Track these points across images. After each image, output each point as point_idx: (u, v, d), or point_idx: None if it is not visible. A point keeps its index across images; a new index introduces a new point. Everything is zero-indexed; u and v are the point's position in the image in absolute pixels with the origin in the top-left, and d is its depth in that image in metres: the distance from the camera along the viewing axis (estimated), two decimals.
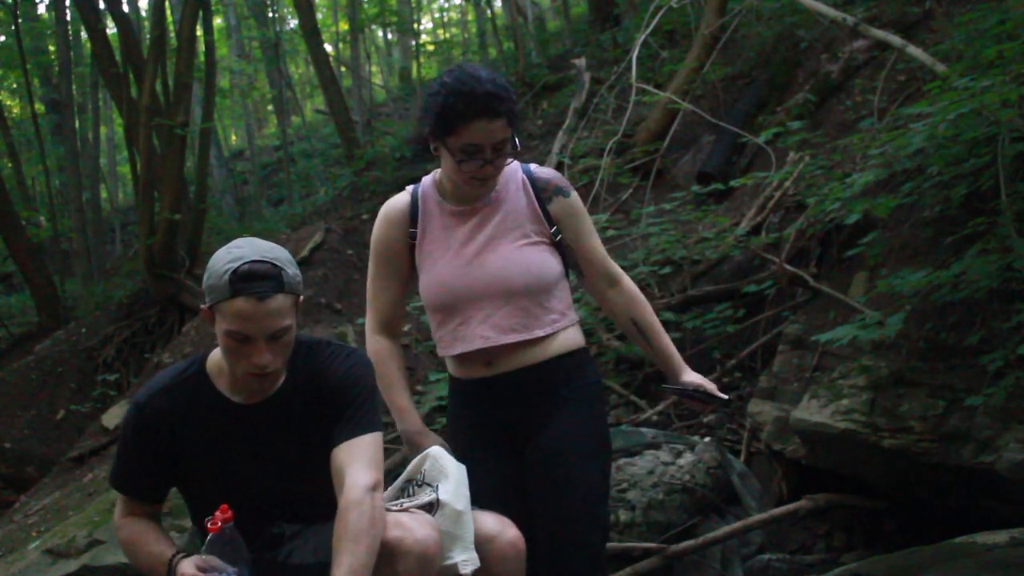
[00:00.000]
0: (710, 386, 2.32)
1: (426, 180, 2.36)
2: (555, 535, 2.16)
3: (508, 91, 2.12)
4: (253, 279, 1.87)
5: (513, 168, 2.32)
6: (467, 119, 2.08)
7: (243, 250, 1.92)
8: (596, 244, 2.34)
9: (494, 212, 2.26)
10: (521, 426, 2.25)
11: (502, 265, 2.21)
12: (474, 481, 2.14)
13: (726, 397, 2.38)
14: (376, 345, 2.35)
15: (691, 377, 2.35)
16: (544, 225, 2.27)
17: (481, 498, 2.16)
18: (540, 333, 2.22)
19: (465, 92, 2.08)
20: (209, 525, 1.90)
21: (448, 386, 2.44)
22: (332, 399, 2.02)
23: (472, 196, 2.26)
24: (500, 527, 2.10)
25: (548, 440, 2.21)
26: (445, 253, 2.26)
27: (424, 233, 2.30)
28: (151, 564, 2.03)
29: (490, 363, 2.24)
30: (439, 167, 2.31)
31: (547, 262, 2.25)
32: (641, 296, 2.37)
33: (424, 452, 2.19)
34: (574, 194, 2.33)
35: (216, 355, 2.06)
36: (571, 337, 2.29)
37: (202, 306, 1.97)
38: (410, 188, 2.37)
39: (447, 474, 2.10)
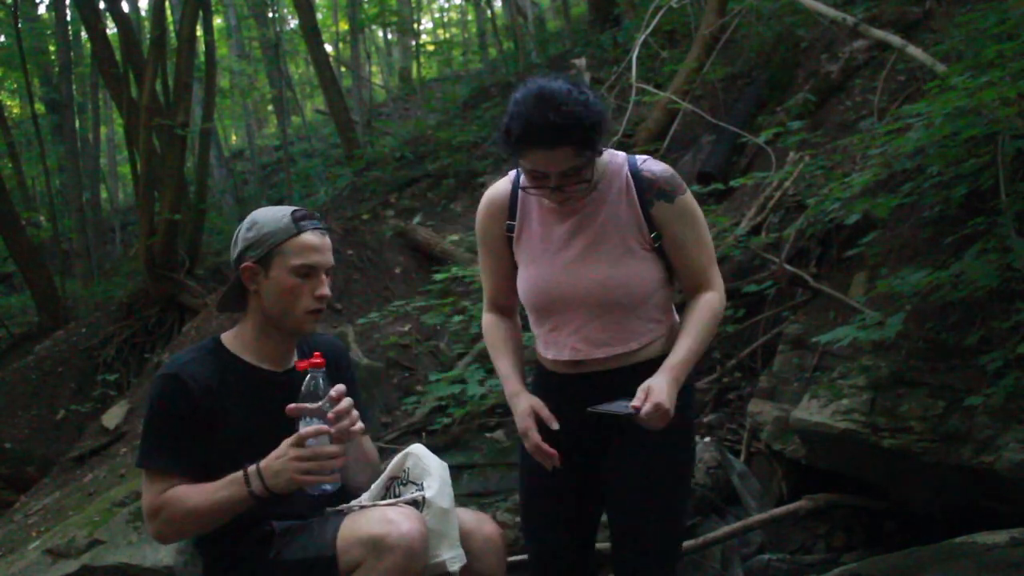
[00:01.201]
0: (645, 411, 1.97)
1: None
2: (631, 551, 2.17)
3: (578, 116, 1.93)
4: (312, 218, 2.13)
5: (619, 163, 2.16)
6: (525, 147, 1.98)
7: (278, 207, 2.14)
8: (695, 256, 2.14)
9: (596, 214, 2.12)
10: (601, 429, 2.18)
11: (600, 279, 2.09)
12: (534, 474, 2.18)
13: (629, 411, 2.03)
14: (486, 320, 2.35)
15: (645, 398, 2.00)
16: (645, 232, 2.11)
17: (534, 493, 2.23)
18: (635, 345, 2.13)
19: (525, 118, 1.95)
20: (299, 364, 1.99)
21: (535, 370, 2.34)
22: (334, 365, 2.14)
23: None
24: (478, 521, 2.14)
25: (630, 453, 2.15)
26: (543, 254, 2.16)
27: (522, 227, 2.20)
28: (225, 498, 1.97)
29: (578, 364, 2.19)
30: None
31: (647, 274, 2.12)
32: (709, 305, 2.14)
33: (405, 451, 2.20)
34: (681, 197, 2.12)
35: (231, 335, 2.16)
36: (666, 343, 2.16)
37: (247, 264, 2.09)
38: (512, 174, 2.24)
39: (430, 472, 2.10)
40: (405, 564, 1.88)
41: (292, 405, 1.96)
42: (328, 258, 2.14)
